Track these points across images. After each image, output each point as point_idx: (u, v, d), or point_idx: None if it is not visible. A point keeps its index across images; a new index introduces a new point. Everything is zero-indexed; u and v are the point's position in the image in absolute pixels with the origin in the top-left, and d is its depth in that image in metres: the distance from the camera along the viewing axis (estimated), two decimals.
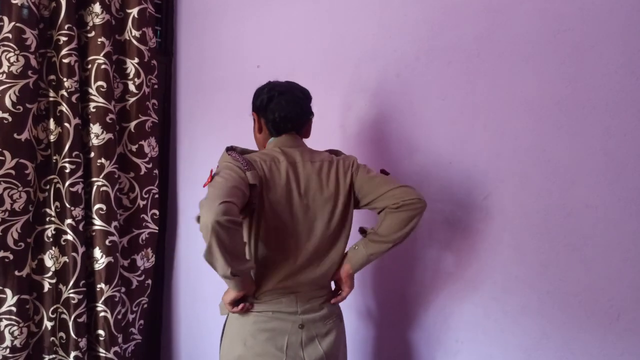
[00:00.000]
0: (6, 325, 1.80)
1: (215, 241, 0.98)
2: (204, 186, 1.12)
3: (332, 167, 1.23)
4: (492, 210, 1.30)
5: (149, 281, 2.22)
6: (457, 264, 1.39)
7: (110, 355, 2.01)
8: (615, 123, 1.09)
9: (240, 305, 1.19)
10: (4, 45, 1.75)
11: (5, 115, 1.76)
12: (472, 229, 1.34)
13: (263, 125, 1.29)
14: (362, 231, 1.27)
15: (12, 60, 1.76)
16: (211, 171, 1.16)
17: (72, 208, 1.90)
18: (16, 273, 1.82)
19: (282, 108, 1.23)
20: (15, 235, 1.81)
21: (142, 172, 2.14)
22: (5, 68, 1.75)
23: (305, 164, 1.21)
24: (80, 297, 1.92)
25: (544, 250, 1.20)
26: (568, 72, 1.16)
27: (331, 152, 1.32)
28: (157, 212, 2.20)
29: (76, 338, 1.91)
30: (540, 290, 1.21)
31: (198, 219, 1.01)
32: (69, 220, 1.90)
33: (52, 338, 1.94)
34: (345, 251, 1.28)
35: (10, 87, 1.76)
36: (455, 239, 1.39)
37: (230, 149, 1.21)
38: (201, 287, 2.28)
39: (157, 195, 2.20)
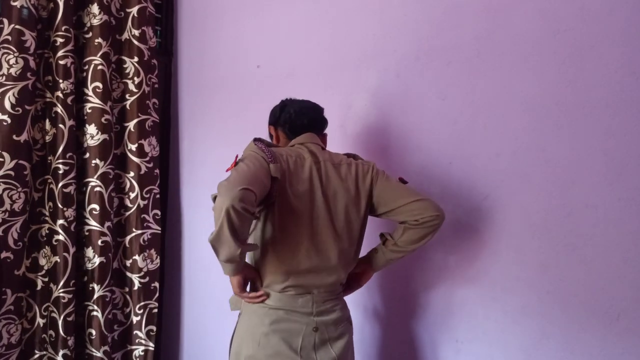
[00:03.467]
0: (4, 325, 1.80)
1: (227, 224, 0.99)
2: (226, 170, 1.12)
3: (352, 169, 1.24)
4: (492, 210, 1.30)
5: (156, 284, 2.18)
6: (457, 264, 1.39)
7: (99, 354, 2.01)
8: (615, 123, 1.09)
9: (259, 293, 1.19)
10: (3, 48, 1.75)
11: (5, 117, 1.76)
12: (472, 229, 1.34)
13: (280, 133, 1.32)
14: (382, 236, 1.30)
15: (11, 62, 1.76)
16: (236, 157, 1.16)
17: (65, 209, 1.90)
18: (15, 272, 1.83)
19: (296, 105, 1.31)
20: (15, 235, 1.81)
21: (142, 172, 2.14)
22: (4, 70, 1.75)
23: (327, 163, 1.23)
24: (70, 296, 1.92)
25: (544, 250, 1.20)
26: (568, 72, 1.15)
27: (349, 155, 1.33)
28: (158, 212, 2.20)
29: (65, 336, 1.91)
30: (540, 290, 1.21)
31: (214, 198, 1.03)
32: (60, 221, 1.90)
33: (43, 335, 1.95)
34: (361, 255, 1.31)
35: (9, 89, 1.76)
36: (455, 239, 1.39)
37: (257, 140, 1.22)
38: (201, 289, 2.28)
39: (158, 195, 2.20)
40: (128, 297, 2.16)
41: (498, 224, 1.29)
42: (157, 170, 2.20)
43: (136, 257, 2.15)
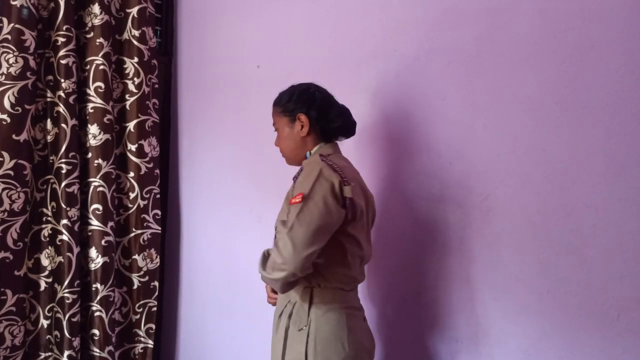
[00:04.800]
0: (6, 326, 1.80)
1: (282, 283, 1.07)
2: (290, 203, 1.10)
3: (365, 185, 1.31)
4: (492, 210, 1.30)
5: (155, 283, 2.19)
6: (457, 264, 1.38)
7: (104, 354, 2.01)
8: (615, 123, 1.09)
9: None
10: (3, 47, 1.75)
11: (4, 116, 1.76)
12: (472, 229, 1.34)
13: (312, 128, 1.26)
14: None
15: (11, 61, 1.76)
16: (301, 195, 1.09)
17: (68, 208, 1.90)
18: (15, 273, 1.83)
19: (341, 116, 1.29)
20: (15, 236, 1.81)
21: (142, 172, 2.14)
22: (4, 69, 1.75)
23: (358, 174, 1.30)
24: (75, 296, 1.92)
25: (544, 250, 1.20)
26: (568, 72, 1.15)
27: None
28: (159, 212, 2.20)
29: (70, 337, 1.91)
30: (540, 290, 1.21)
31: (263, 261, 1.09)
32: (64, 221, 1.90)
33: (48, 336, 1.94)
34: None
35: (9, 89, 1.76)
36: (455, 239, 1.38)
37: (324, 157, 1.18)
38: (201, 288, 2.28)
39: (158, 195, 2.19)
40: (127, 295, 2.16)
41: (498, 224, 1.29)
42: (157, 171, 2.19)
43: (136, 256, 2.15)
